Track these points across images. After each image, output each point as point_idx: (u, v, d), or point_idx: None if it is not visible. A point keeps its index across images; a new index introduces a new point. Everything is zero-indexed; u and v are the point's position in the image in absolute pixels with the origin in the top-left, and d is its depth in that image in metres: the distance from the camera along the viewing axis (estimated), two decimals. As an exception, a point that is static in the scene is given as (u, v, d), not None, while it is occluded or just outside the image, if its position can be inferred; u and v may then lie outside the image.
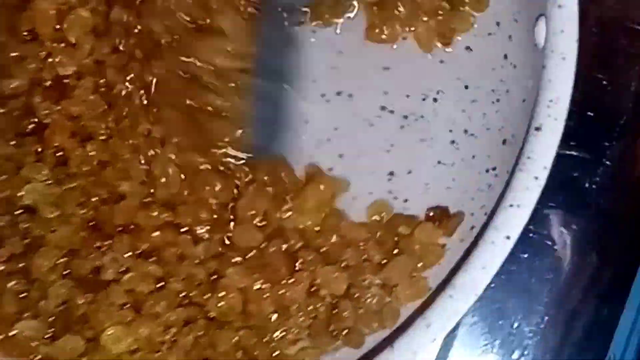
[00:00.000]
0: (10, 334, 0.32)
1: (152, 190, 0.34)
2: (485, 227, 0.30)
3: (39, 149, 0.34)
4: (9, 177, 0.33)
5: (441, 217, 0.34)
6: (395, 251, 0.34)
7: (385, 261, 0.34)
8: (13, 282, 0.33)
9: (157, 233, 0.33)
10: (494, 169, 0.33)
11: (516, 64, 0.34)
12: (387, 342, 0.31)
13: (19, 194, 0.33)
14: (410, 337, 0.30)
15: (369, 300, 0.33)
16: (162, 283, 0.33)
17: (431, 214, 0.34)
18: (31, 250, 0.33)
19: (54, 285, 0.33)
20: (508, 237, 0.29)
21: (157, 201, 0.33)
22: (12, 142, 0.34)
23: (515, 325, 0.38)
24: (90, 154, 0.33)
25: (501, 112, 0.34)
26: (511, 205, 0.29)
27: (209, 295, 0.33)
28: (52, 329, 0.32)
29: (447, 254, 0.33)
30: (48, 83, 0.34)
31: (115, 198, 0.34)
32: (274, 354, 0.33)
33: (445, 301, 0.29)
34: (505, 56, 0.35)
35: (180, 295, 0.33)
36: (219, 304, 0.33)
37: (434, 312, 0.30)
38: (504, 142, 0.33)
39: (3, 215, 0.33)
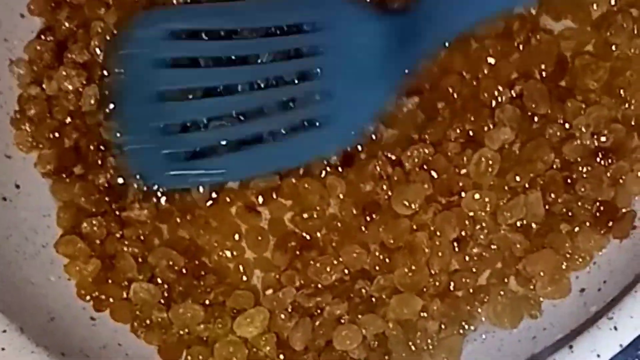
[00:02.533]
0: (124, 297, 0.31)
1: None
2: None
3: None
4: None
5: (610, 217, 0.30)
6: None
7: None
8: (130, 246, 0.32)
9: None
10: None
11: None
12: (564, 341, 0.27)
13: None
14: (593, 339, 0.26)
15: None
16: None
17: (598, 214, 0.30)
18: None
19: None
20: None
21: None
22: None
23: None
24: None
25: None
26: None
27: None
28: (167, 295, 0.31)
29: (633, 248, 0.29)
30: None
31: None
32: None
33: (637, 301, 0.26)
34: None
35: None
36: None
37: (621, 313, 0.26)
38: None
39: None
